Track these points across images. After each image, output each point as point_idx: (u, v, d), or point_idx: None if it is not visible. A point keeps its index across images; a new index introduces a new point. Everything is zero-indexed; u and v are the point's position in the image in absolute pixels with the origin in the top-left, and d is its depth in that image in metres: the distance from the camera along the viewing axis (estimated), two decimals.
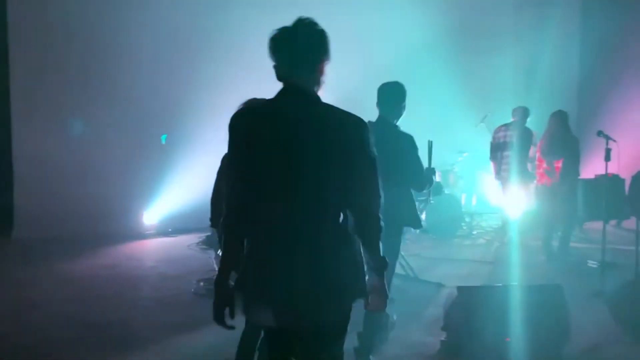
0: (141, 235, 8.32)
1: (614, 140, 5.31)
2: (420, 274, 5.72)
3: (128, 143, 8.27)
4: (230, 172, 2.09)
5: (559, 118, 6.62)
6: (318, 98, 2.07)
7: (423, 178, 3.70)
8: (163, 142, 8.60)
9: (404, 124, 3.76)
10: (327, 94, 2.10)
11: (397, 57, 8.66)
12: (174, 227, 8.56)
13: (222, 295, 2.02)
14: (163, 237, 8.37)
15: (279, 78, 2.07)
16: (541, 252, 6.67)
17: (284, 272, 1.95)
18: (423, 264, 6.36)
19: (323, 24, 2.08)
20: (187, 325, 4.47)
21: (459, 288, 3.74)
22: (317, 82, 2.08)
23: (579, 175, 6.69)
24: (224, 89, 8.48)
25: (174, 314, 4.78)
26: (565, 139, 6.47)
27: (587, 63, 11.46)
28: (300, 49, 2.02)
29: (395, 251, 3.64)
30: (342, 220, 2.01)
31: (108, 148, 8.17)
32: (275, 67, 2.06)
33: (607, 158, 5.16)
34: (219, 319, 2.05)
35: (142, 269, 6.47)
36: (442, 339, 3.82)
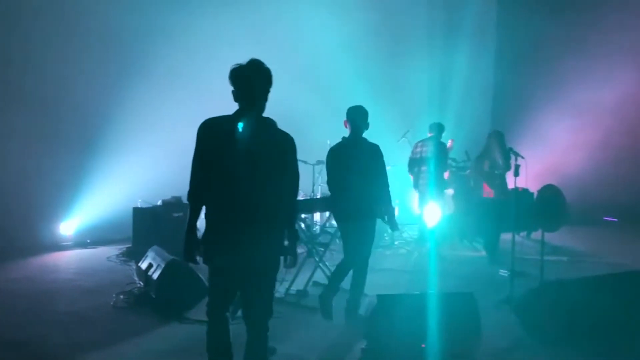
0: (57, 246, 7.96)
1: (522, 157, 5.69)
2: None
3: (40, 151, 7.90)
4: (195, 163, 2.96)
5: (498, 137, 7.68)
6: (266, 118, 3.00)
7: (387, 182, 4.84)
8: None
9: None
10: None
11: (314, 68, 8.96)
12: (93, 238, 8.26)
13: (192, 242, 2.95)
14: (81, 248, 8.05)
15: (236, 100, 2.98)
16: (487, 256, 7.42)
17: (237, 228, 2.89)
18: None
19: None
20: (106, 341, 4.33)
21: (379, 296, 3.88)
22: (264, 105, 3.01)
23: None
24: (146, 97, 8.33)
25: (92, 330, 4.62)
26: (502, 155, 7.06)
27: (501, 79, 12.17)
28: (256, 82, 2.95)
29: (372, 236, 4.85)
30: (277, 205, 2.98)
31: (18, 156, 7.77)
32: (233, 92, 2.97)
33: (516, 174, 5.53)
34: (191, 258, 2.96)
35: (58, 282, 6.19)
36: (363, 346, 3.94)
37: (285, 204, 3.02)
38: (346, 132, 4.82)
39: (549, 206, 5.09)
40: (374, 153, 4.73)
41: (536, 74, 11.53)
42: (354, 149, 4.70)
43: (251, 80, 2.92)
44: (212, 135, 2.91)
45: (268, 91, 2.99)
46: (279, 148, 2.98)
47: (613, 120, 10.66)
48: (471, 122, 10.73)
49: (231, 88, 2.97)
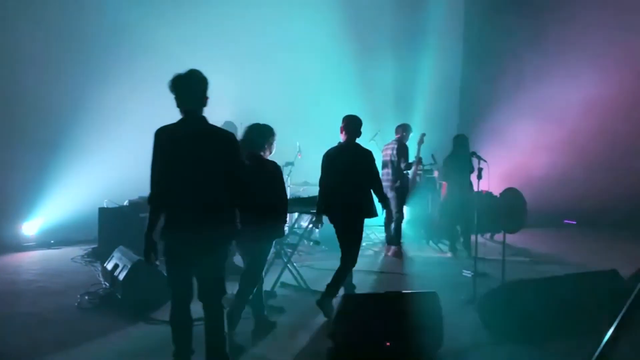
0: (19, 247, 7.80)
1: (485, 161, 5.85)
2: (311, 285, 5.90)
3: (0, 149, 7.74)
4: (154, 168, 3.33)
5: (462, 141, 7.91)
6: (206, 119, 3.37)
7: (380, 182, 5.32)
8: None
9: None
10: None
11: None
12: (57, 238, 8.12)
13: (150, 244, 3.36)
14: (45, 249, 7.90)
15: (179, 106, 3.34)
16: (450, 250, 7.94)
17: (188, 224, 3.31)
18: (315, 275, 6.57)
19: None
20: (70, 342, 4.28)
21: (344, 296, 3.95)
22: (203, 109, 3.38)
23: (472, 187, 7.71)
24: (114, 96, 8.22)
25: (56, 330, 4.56)
26: (468, 158, 7.24)
27: (468, 80, 12.33)
28: (194, 89, 3.32)
29: (360, 232, 5.19)
30: (222, 199, 3.37)
31: None
32: (176, 99, 3.32)
33: (479, 177, 5.67)
34: (148, 258, 3.39)
35: (19, 283, 6.08)
36: (329, 346, 3.99)
37: (234, 199, 3.44)
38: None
39: (509, 208, 5.24)
40: (365, 157, 5.16)
41: (503, 75, 11.68)
42: (345, 153, 5.19)
43: (189, 88, 3.31)
44: (163, 141, 3.29)
45: (206, 97, 3.37)
46: (218, 146, 3.35)
47: (578, 121, 10.78)
48: (439, 123, 10.88)
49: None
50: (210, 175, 3.32)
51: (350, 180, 5.07)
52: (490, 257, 7.20)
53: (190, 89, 3.31)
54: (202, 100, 3.36)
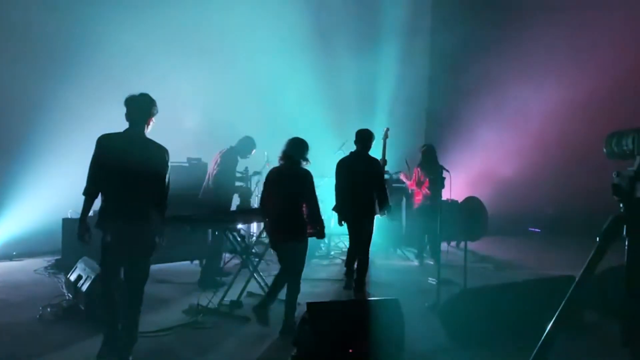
0: None
1: (448, 171, 6.00)
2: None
3: None
4: (90, 166, 3.96)
5: (430, 151, 8.08)
6: (145, 135, 4.06)
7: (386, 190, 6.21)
8: None
9: None
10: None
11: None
12: (19, 250, 7.95)
13: (82, 228, 3.98)
14: (6, 261, 7.74)
15: (127, 120, 4.02)
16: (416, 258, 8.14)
17: (115, 215, 3.92)
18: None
19: None
20: (30, 354, 4.21)
21: (308, 304, 3.99)
22: (146, 127, 4.07)
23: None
24: (76, 103, 8.11)
25: (15, 343, 4.48)
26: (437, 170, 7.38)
27: (435, 84, 12.36)
28: (140, 109, 4.03)
29: (370, 233, 6.12)
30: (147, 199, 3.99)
31: None
32: (126, 114, 4.01)
33: (442, 186, 5.82)
34: (82, 238, 3.99)
35: None
36: (293, 353, 4.03)
37: (160, 203, 4.06)
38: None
39: (470, 217, 5.38)
40: (376, 165, 6.24)
41: (470, 78, 11.36)
42: (360, 161, 6.15)
43: (136, 108, 4.00)
44: (104, 146, 3.96)
45: (149, 117, 4.05)
46: (151, 159, 4.02)
47: (544, 127, 10.91)
48: (407, 129, 10.88)
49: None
50: (141, 178, 3.96)
51: (364, 183, 5.98)
52: (456, 264, 7.33)
53: (137, 108, 4.01)
54: (145, 119, 4.05)
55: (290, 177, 4.90)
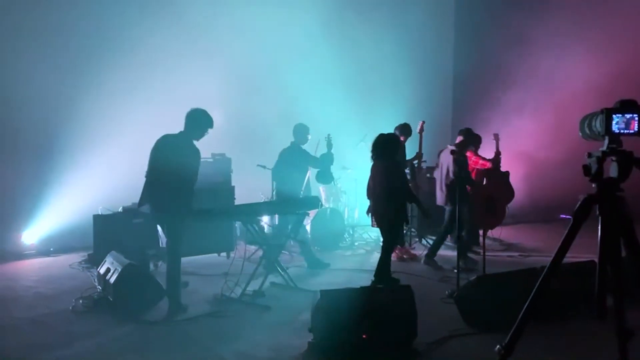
0: (19, 255, 7.99)
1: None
2: (299, 283, 6.04)
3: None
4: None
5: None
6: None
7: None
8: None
9: None
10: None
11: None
12: (56, 246, 8.30)
13: None
14: (44, 257, 8.10)
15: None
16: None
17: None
18: (304, 274, 6.76)
19: None
20: (62, 343, 4.44)
21: (321, 292, 4.08)
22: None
23: None
24: (107, 104, 8.38)
25: (49, 333, 4.72)
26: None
27: (460, 72, 12.14)
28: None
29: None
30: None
31: None
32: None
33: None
34: None
35: (16, 289, 6.25)
36: (309, 340, 4.14)
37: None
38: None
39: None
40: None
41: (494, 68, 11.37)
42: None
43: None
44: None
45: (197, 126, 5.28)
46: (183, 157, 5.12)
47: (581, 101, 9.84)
48: (433, 117, 10.66)
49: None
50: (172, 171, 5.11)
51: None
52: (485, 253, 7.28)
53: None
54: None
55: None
